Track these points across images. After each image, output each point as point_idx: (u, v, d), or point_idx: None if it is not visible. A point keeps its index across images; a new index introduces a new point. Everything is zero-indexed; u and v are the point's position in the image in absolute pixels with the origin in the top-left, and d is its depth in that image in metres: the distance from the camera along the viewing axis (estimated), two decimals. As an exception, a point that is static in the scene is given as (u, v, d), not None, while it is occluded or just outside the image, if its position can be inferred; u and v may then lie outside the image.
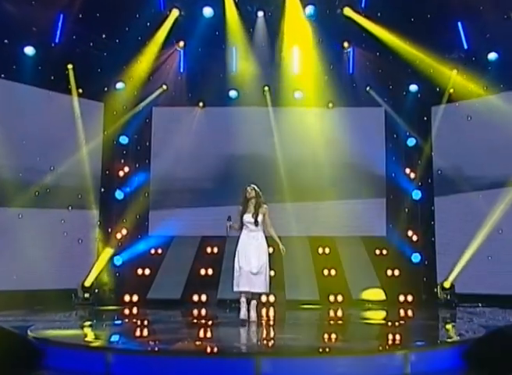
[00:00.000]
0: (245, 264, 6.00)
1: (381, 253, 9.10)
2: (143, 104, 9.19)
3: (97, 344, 4.83)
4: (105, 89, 8.82)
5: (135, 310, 7.73)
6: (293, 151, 9.18)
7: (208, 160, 9.29)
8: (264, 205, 6.06)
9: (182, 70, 9.34)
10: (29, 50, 7.94)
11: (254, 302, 6.10)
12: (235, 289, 6.08)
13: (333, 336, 5.46)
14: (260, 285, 6.01)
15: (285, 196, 9.01)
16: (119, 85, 8.94)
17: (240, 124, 9.14)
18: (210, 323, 6.39)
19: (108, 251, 8.69)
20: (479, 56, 8.35)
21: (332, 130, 9.38)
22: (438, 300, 8.32)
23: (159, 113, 9.50)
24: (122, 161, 9.29)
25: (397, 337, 5.42)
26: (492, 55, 8.30)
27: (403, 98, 9.12)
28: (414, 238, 9.02)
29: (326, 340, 5.24)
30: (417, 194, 9.07)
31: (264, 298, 7.62)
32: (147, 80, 9.13)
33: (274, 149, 9.23)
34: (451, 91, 8.63)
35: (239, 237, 6.12)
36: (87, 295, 8.21)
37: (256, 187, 6.11)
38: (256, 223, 6.00)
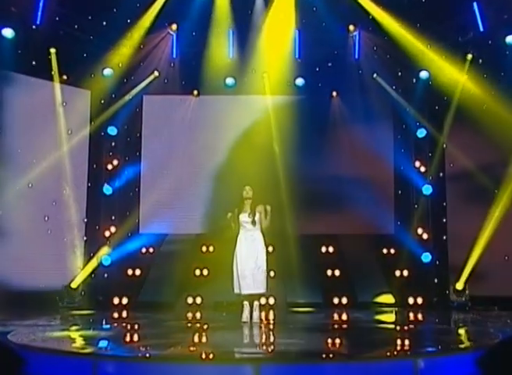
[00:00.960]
0: (244, 266, 6.27)
1: (389, 252, 9.14)
2: (133, 92, 9.14)
3: (83, 350, 4.84)
4: (92, 76, 8.74)
5: (124, 314, 7.75)
6: (294, 143, 9.17)
7: (203, 152, 9.29)
8: (260, 205, 6.30)
9: (175, 56, 9.28)
10: (7, 32, 7.83)
11: (256, 303, 6.41)
12: (236, 291, 6.38)
13: (337, 341, 5.50)
14: (259, 285, 6.29)
15: (285, 190, 9.01)
16: (107, 71, 8.86)
17: (237, 114, 9.15)
18: (205, 327, 6.45)
19: (103, 251, 8.69)
20: (496, 39, 8.26)
21: (335, 121, 9.42)
22: (450, 303, 8.32)
23: (150, 102, 9.48)
24: (111, 153, 9.26)
25: (406, 342, 5.44)
26: (511, 38, 8.21)
27: (413, 86, 9.08)
28: (425, 236, 9.01)
29: (330, 345, 5.27)
30: (427, 189, 9.04)
31: (263, 301, 7.63)
32: (138, 66, 9.08)
33: (273, 140, 9.23)
34: (465, 77, 8.57)
35: (236, 237, 6.35)
36: (72, 298, 8.23)
37: (251, 188, 6.36)
38: (253, 222, 6.29)
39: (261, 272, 6.31)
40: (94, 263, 8.62)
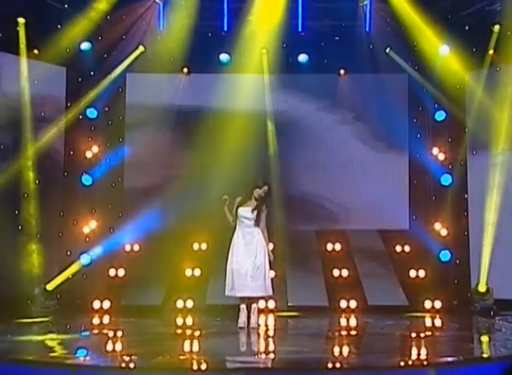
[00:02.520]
0: (241, 264, 6.26)
1: (402, 250, 9.16)
2: (118, 70, 9.06)
3: (59, 359, 4.84)
4: (67, 50, 8.66)
5: (106, 319, 7.76)
6: (297, 128, 9.20)
7: (194, 137, 9.24)
8: (265, 210, 6.43)
9: (161, 28, 9.23)
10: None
11: (254, 306, 6.41)
12: (228, 293, 6.37)
13: (345, 349, 5.51)
14: (259, 288, 6.28)
15: (287, 180, 9.04)
16: (85, 45, 8.80)
17: (232, 94, 9.10)
18: (197, 333, 6.43)
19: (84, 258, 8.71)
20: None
21: (343, 102, 9.43)
22: (472, 306, 8.33)
23: (135, 81, 9.43)
24: (90, 139, 9.20)
25: (422, 350, 5.47)
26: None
27: (432, 62, 9.01)
28: (443, 232, 8.99)
29: (336, 353, 5.29)
30: (446, 180, 9.02)
31: (261, 304, 7.64)
32: (120, 40, 8.98)
33: (273, 124, 9.22)
34: (491, 52, 8.51)
35: (232, 234, 6.37)
36: (48, 301, 8.20)
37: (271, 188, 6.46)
38: (255, 221, 6.34)
39: (260, 273, 6.30)
40: (73, 264, 8.62)
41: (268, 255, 6.46)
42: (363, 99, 9.23)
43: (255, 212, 6.34)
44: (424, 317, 7.86)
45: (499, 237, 8.14)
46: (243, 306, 6.39)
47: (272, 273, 7.43)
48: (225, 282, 6.43)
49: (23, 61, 8.27)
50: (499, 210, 8.21)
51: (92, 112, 9.05)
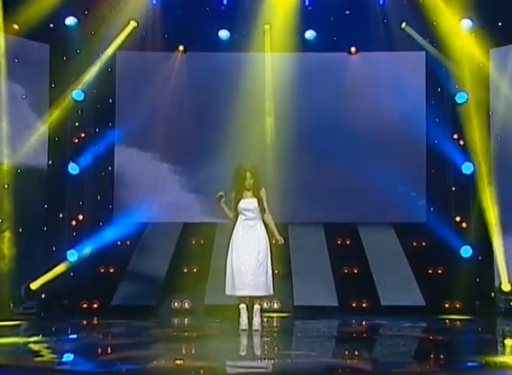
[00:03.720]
0: (242, 260, 6.23)
1: (419, 245, 9.15)
2: (107, 48, 8.98)
3: (44, 365, 4.84)
4: (51, 25, 8.61)
5: (95, 320, 7.75)
6: (302, 110, 9.18)
7: (190, 121, 9.27)
8: (262, 188, 6.39)
9: (155, 1, 9.19)
10: None
11: (257, 307, 6.35)
12: (228, 292, 6.33)
13: (356, 353, 5.44)
14: (260, 287, 6.21)
15: (291, 168, 9.08)
16: (70, 20, 8.77)
17: (232, 75, 9.11)
18: (194, 335, 6.42)
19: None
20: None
21: (354, 83, 9.39)
22: (495, 307, 8.32)
23: (126, 60, 9.46)
24: (77, 124, 9.17)
25: (441, 355, 5.39)
26: None
27: (452, 38, 8.84)
28: (464, 225, 8.99)
29: (347, 358, 5.24)
30: (468, 168, 8.95)
31: (265, 304, 7.67)
32: (109, 14, 8.92)
33: (277, 107, 9.24)
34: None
35: (233, 228, 6.34)
36: (31, 302, 8.20)
37: (255, 168, 6.40)
38: (257, 210, 6.31)
39: (263, 270, 6.28)
40: (59, 261, 8.58)
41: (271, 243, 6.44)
42: (376, 80, 9.24)
43: (256, 202, 6.35)
44: (443, 319, 7.85)
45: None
46: (242, 306, 6.35)
47: (276, 271, 7.46)
48: (225, 280, 6.41)
49: (0, 36, 8.17)
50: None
51: (79, 94, 8.96)
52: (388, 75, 9.22)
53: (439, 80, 9.20)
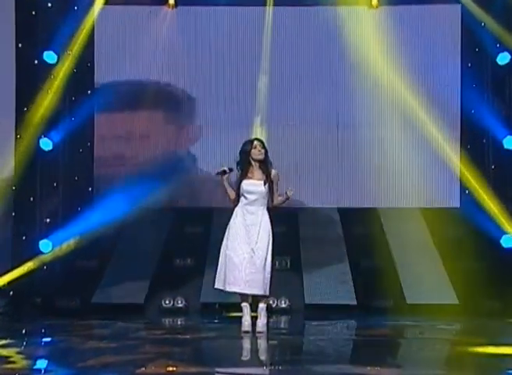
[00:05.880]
0: (236, 251, 6.22)
1: (452, 234, 9.03)
2: (84, 1, 8.85)
3: (14, 372, 4.80)
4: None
5: (74, 321, 7.72)
6: (311, 77, 9.20)
7: (182, 85, 9.24)
8: (274, 171, 6.37)
9: None
10: None
11: (261, 306, 6.36)
12: (217, 286, 6.37)
13: (377, 358, 5.42)
14: (255, 284, 6.18)
15: (301, 146, 9.13)
16: (38, -34, 8.68)
17: (229, 32, 9.28)
18: (189, 337, 6.47)
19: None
20: None
21: (375, 42, 9.25)
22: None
23: (107, 15, 9.34)
24: (49, 91, 8.93)
25: (476, 362, 5.36)
26: None
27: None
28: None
29: (367, 364, 5.12)
30: (510, 143, 8.86)
31: (271, 302, 7.72)
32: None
33: (281, 70, 9.28)
34: None
35: (231, 212, 6.33)
36: (-3, 301, 8.31)
37: (265, 144, 6.37)
38: (261, 195, 6.28)
39: (260, 264, 6.20)
40: (30, 252, 8.51)
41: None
42: (401, 38, 9.14)
43: (262, 186, 6.24)
44: (479, 319, 7.83)
45: None
46: (245, 304, 6.32)
47: (284, 264, 7.54)
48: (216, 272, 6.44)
49: None
50: None
51: (50, 56, 8.80)
52: (416, 33, 9.22)
53: (476, 39, 9.09)
